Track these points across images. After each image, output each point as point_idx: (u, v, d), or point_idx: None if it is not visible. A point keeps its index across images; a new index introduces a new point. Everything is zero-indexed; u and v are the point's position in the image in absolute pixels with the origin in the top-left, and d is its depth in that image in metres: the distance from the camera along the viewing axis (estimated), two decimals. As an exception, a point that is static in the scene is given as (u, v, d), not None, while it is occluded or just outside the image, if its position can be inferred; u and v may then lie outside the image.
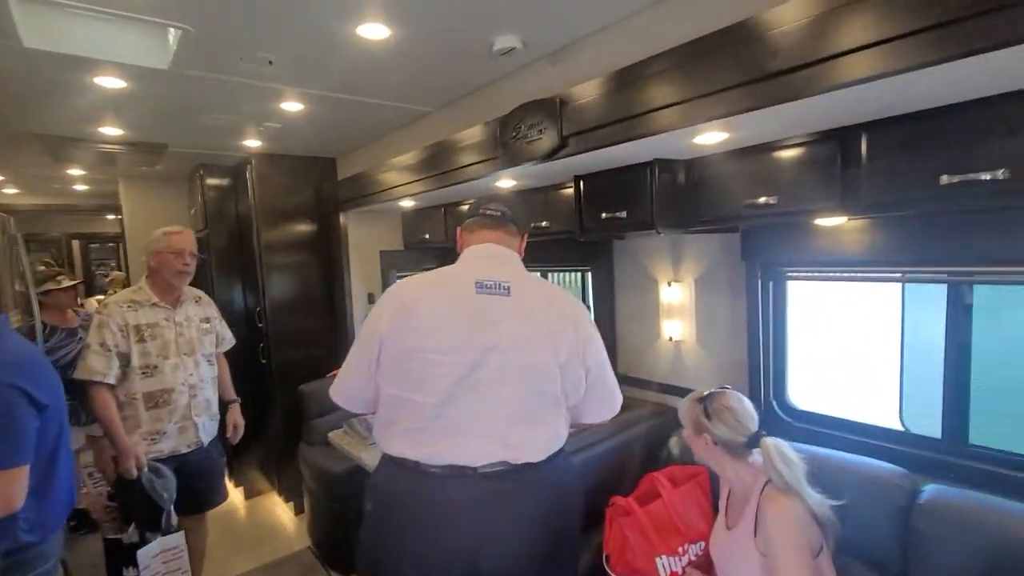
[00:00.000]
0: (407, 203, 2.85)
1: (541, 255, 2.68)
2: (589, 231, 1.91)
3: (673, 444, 1.84)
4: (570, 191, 2.00)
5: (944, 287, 1.47)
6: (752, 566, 1.23)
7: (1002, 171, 1.06)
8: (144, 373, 1.93)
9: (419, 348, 1.09)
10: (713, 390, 1.39)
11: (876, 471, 1.39)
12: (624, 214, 1.76)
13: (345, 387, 1.21)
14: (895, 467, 1.39)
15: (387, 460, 1.16)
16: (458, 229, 1.31)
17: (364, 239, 3.24)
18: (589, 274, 2.48)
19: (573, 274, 2.73)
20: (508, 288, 1.14)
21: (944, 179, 1.13)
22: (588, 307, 2.51)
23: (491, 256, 1.22)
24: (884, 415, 1.74)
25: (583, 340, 1.17)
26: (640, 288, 2.27)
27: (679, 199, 1.69)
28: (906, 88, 1.00)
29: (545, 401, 1.13)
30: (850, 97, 1.04)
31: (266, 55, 1.74)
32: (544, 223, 2.18)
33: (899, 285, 1.77)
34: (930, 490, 1.30)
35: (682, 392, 2.16)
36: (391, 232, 3.34)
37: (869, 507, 1.33)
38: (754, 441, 1.29)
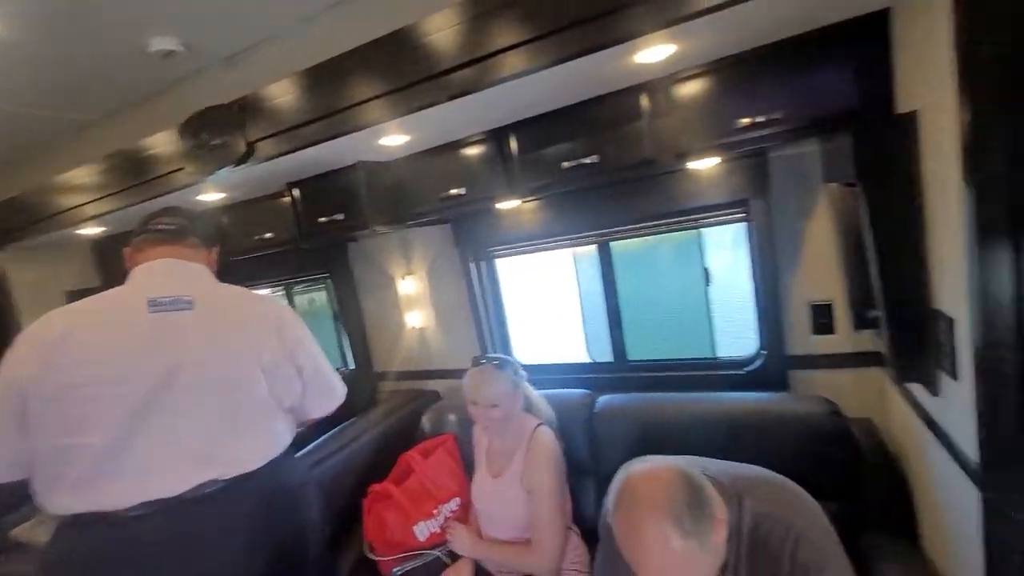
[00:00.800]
0: (94, 229, 2.36)
1: (276, 268, 2.55)
2: (310, 237, 1.91)
3: (425, 421, 1.98)
4: (288, 199, 1.95)
5: (595, 247, 1.92)
6: (517, 503, 1.45)
7: (595, 156, 1.45)
8: None
9: (73, 385, 0.95)
10: (491, 357, 1.55)
11: (570, 397, 1.75)
12: (342, 216, 1.80)
13: None
14: (581, 390, 1.78)
15: (62, 527, 0.98)
16: (125, 250, 1.17)
17: (38, 281, 2.57)
18: (330, 280, 2.46)
19: (318, 286, 2.66)
20: (191, 302, 1.08)
21: (565, 164, 1.49)
22: (335, 313, 2.50)
23: (168, 271, 1.12)
24: (578, 353, 2.20)
25: (290, 342, 1.18)
26: (379, 286, 2.36)
27: (389, 197, 1.81)
28: (544, 83, 1.23)
29: (253, 409, 1.10)
30: (504, 92, 1.23)
31: None
32: (268, 234, 2.08)
33: (571, 250, 2.24)
34: (601, 400, 1.70)
35: (433, 375, 2.34)
36: (78, 267, 2.71)
37: (570, 426, 1.67)
38: None
